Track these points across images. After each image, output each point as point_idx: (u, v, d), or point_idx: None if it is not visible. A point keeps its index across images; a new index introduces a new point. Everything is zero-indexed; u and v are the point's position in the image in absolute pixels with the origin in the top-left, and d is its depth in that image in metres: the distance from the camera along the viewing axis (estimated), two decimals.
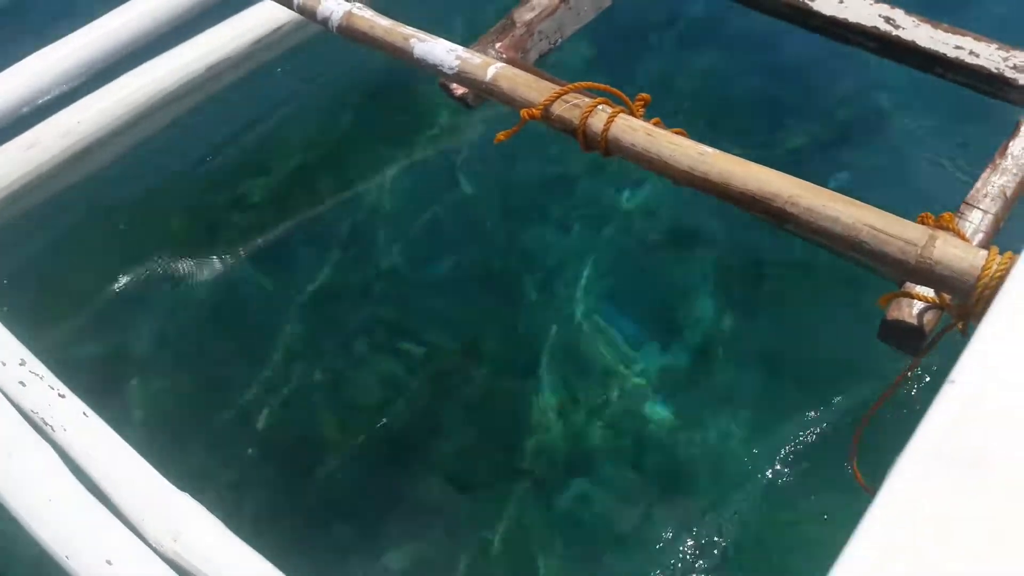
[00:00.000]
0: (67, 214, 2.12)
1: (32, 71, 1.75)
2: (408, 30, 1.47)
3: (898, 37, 1.64)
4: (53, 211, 2.01)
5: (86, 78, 1.83)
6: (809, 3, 1.72)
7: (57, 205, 1.97)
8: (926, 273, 0.96)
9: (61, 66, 1.76)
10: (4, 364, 1.38)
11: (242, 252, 2.18)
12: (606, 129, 1.24)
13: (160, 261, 2.15)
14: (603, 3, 1.84)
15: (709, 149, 1.17)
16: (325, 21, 1.54)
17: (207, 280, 2.14)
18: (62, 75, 1.77)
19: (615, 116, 1.24)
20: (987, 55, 1.57)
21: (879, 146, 2.20)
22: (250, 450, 1.91)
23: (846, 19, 1.68)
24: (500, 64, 1.39)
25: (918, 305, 1.11)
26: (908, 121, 2.23)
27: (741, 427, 1.83)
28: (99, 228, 2.19)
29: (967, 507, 0.65)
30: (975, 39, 1.60)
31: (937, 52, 1.60)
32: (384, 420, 1.93)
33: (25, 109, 1.76)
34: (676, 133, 1.24)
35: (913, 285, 1.09)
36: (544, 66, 1.72)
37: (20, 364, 1.38)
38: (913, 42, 1.63)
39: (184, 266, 2.13)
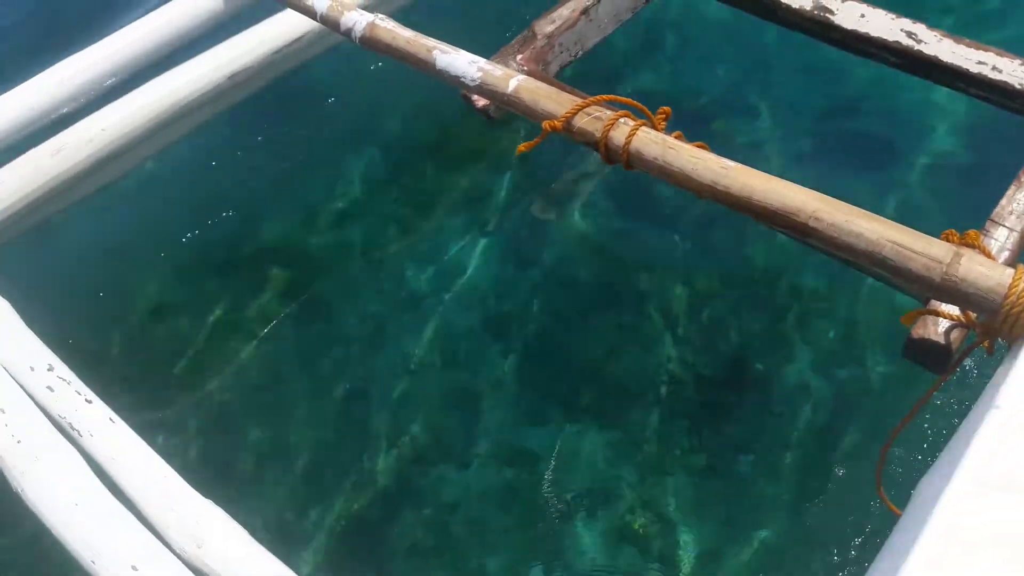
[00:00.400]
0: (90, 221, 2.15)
1: (57, 80, 1.78)
2: (430, 41, 1.48)
3: (920, 52, 1.63)
4: (76, 217, 2.03)
5: (112, 86, 1.85)
6: (830, 17, 1.72)
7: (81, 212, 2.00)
8: (951, 291, 0.95)
9: (85, 75, 1.79)
10: (32, 369, 1.40)
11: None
12: (628, 142, 1.24)
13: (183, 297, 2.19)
14: (623, 16, 1.85)
15: (731, 163, 1.17)
16: (348, 32, 1.55)
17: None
18: (86, 84, 1.80)
19: (637, 129, 1.24)
20: (1010, 71, 1.57)
21: (900, 159, 2.19)
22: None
23: (867, 33, 1.68)
24: (521, 76, 1.40)
25: (943, 323, 1.10)
26: (930, 135, 2.22)
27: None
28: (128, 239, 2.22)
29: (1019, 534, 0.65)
30: (998, 54, 1.59)
31: (959, 67, 1.60)
32: None
33: (51, 117, 1.79)
34: (697, 147, 1.24)
35: (938, 303, 1.08)
36: (564, 78, 1.73)
37: (48, 369, 1.40)
38: (935, 57, 1.62)
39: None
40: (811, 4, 1.74)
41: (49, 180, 1.80)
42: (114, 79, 1.86)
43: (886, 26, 1.68)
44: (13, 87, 1.77)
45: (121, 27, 1.92)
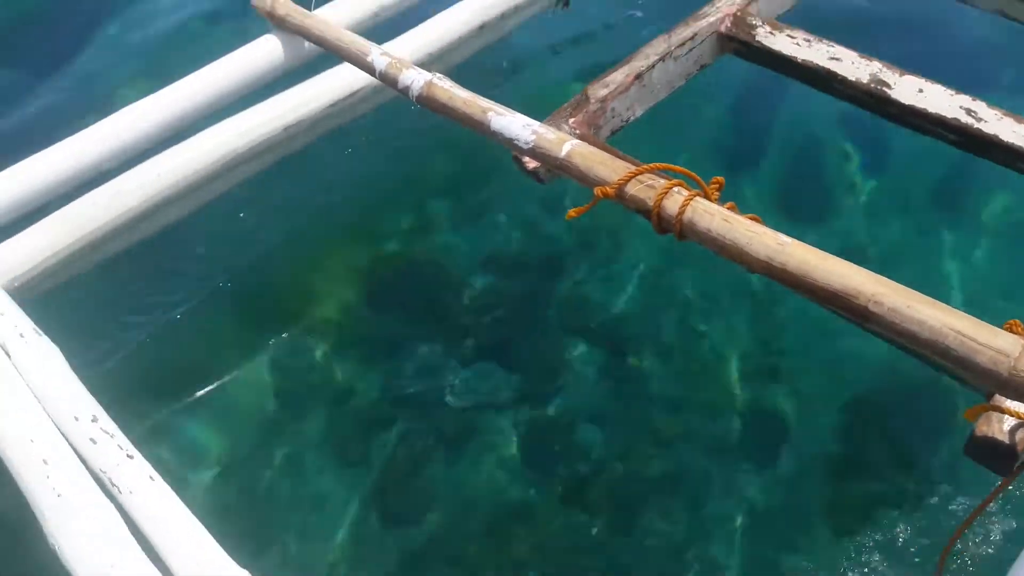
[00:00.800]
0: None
1: (120, 126, 1.82)
2: (486, 103, 1.49)
3: (979, 130, 1.60)
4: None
5: (170, 135, 1.90)
6: (887, 91, 1.69)
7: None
8: (1019, 387, 0.91)
9: (146, 123, 1.83)
10: (77, 419, 1.40)
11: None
12: (681, 212, 1.23)
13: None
14: (676, 83, 1.85)
15: (787, 239, 1.15)
16: (405, 90, 1.58)
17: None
18: (146, 132, 1.84)
19: (691, 199, 1.23)
20: None
21: (957, 236, 2.15)
22: None
23: (925, 109, 1.65)
24: (575, 141, 1.40)
25: (1009, 421, 1.05)
26: (985, 214, 2.18)
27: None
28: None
29: None
30: None
31: (1021, 148, 1.56)
32: None
33: (111, 164, 1.83)
34: (751, 219, 1.23)
35: (1003, 399, 1.03)
36: (615, 141, 1.73)
37: (92, 421, 1.40)
38: (995, 136, 1.59)
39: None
40: (868, 77, 1.72)
41: (106, 223, 1.83)
42: (173, 128, 1.89)
43: (944, 102, 1.65)
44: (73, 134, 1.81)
45: (184, 75, 1.95)
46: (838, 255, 1.09)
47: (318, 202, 2.46)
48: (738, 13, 1.90)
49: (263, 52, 1.96)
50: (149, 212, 1.87)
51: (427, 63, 2.27)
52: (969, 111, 1.63)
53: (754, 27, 1.86)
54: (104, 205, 1.83)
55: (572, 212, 1.36)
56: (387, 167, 2.54)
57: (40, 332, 1.49)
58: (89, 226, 1.78)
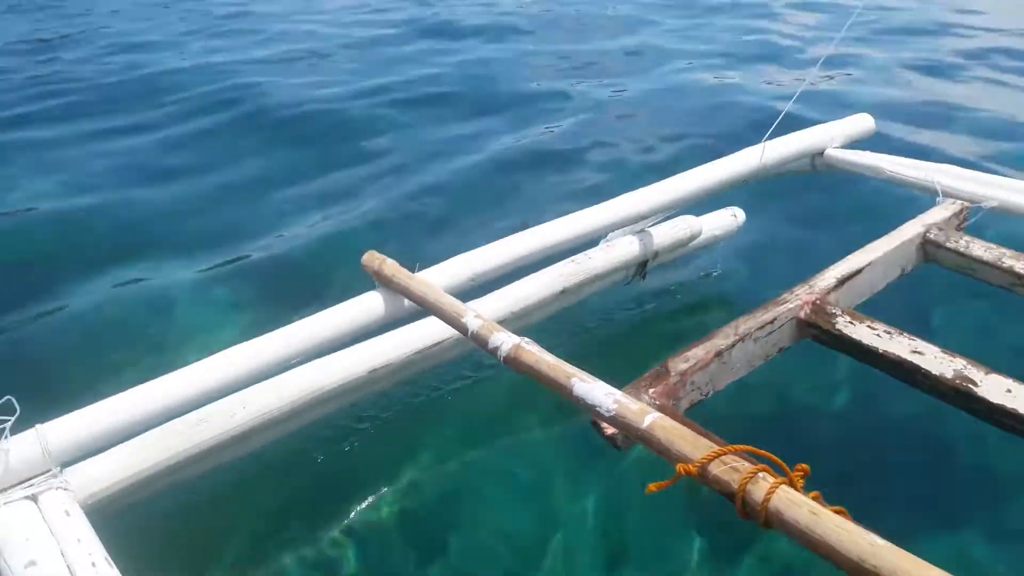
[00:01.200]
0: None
1: (226, 363, 1.94)
2: (571, 369, 1.55)
3: None
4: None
5: (269, 375, 2.00)
6: (973, 388, 1.69)
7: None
8: None
9: (251, 363, 1.95)
10: None
11: None
12: (767, 500, 1.20)
13: None
14: (755, 362, 1.90)
15: (879, 540, 1.11)
16: (495, 351, 1.66)
17: None
18: (250, 372, 1.95)
19: (776, 487, 1.21)
20: None
21: None
22: None
23: (1015, 409, 1.63)
24: (656, 414, 1.42)
25: None
26: None
27: None
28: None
29: None
30: None
31: None
32: None
33: (209, 397, 1.93)
34: (836, 511, 1.20)
35: None
36: (693, 415, 1.74)
37: None
38: None
39: None
40: (952, 373, 1.73)
41: (188, 448, 1.89)
42: (273, 370, 1.99)
43: None
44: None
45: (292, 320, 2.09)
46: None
47: None
48: (817, 301, 1.98)
49: (367, 307, 2.11)
50: (229, 443, 1.92)
51: (510, 320, 2.40)
52: None
53: (834, 316, 1.93)
54: (187, 432, 1.89)
55: (652, 486, 1.35)
56: None
57: (111, 563, 1.49)
58: (172, 450, 1.84)
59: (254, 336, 2.01)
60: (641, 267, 2.83)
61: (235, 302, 3.26)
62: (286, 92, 6.25)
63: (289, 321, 2.06)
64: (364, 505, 2.24)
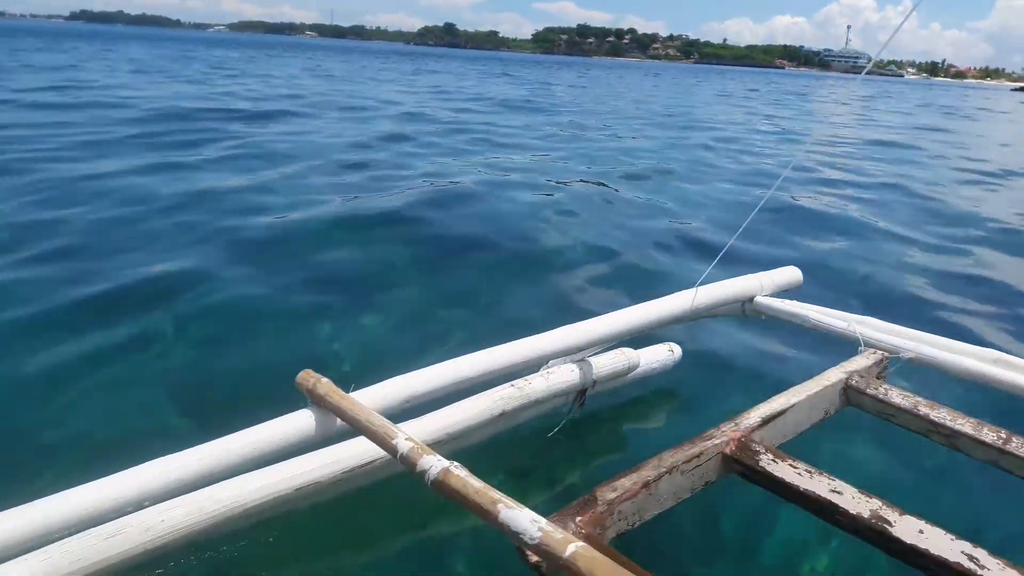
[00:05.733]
0: None
1: (149, 476, 1.89)
2: (496, 494, 1.56)
3: None
4: None
5: (191, 489, 1.94)
6: (887, 527, 1.74)
7: None
8: None
9: (173, 475, 1.90)
10: None
11: None
12: None
13: None
14: (682, 495, 1.93)
15: None
16: (423, 474, 1.66)
17: None
18: (172, 484, 1.89)
19: None
20: None
21: None
22: None
23: (927, 550, 1.67)
24: (579, 544, 1.43)
25: None
26: None
27: None
28: None
29: None
30: None
31: None
32: None
33: (125, 510, 1.86)
34: None
35: None
36: (619, 543, 1.75)
37: None
38: None
39: None
40: (868, 513, 1.78)
41: (102, 561, 1.81)
42: (195, 484, 1.94)
43: (945, 546, 1.68)
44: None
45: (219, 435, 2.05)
46: None
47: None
48: (742, 438, 2.04)
49: (298, 425, 2.09)
50: (143, 557, 1.84)
51: (446, 440, 2.41)
52: (971, 557, 1.65)
53: (757, 453, 1.99)
54: (103, 544, 1.81)
55: None
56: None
57: None
58: (89, 560, 1.75)
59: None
60: (580, 395, 2.89)
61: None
62: None
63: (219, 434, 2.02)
64: None
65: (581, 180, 9.45)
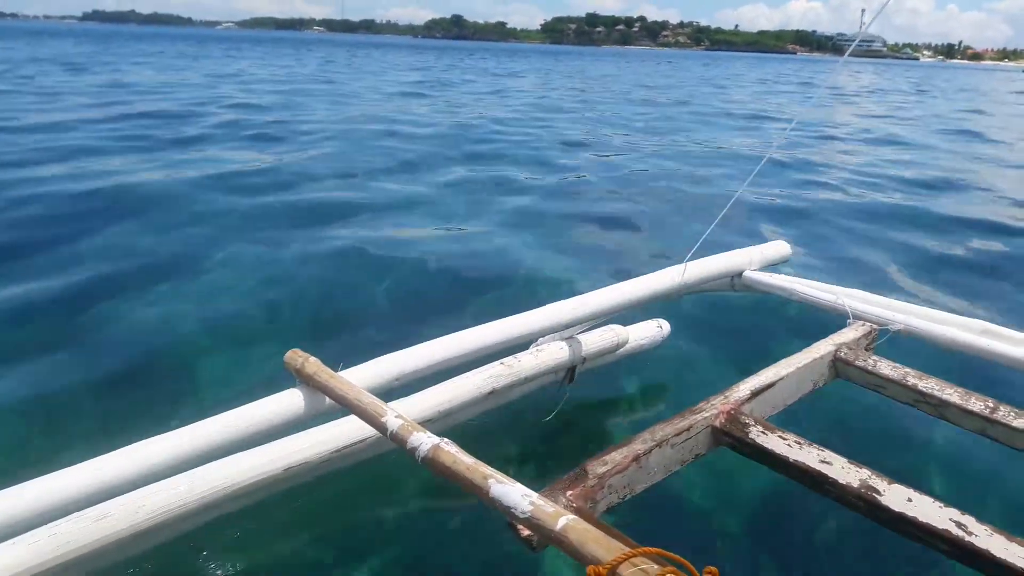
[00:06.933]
0: None
1: (137, 458, 1.86)
2: (488, 470, 1.55)
3: (971, 544, 1.61)
4: None
5: (183, 470, 1.93)
6: (877, 496, 1.75)
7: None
8: None
9: (157, 458, 1.87)
10: None
11: None
12: None
13: None
14: (672, 467, 1.93)
15: None
16: (413, 451, 1.65)
17: None
18: (152, 467, 1.87)
19: None
20: None
21: None
22: None
23: (915, 518, 1.68)
24: (570, 516, 1.43)
25: None
26: None
27: None
28: None
29: None
30: None
31: (1014, 565, 1.56)
32: None
33: (110, 493, 1.84)
34: None
35: None
36: (611, 517, 1.75)
37: None
38: (987, 551, 1.60)
39: None
40: (858, 482, 1.79)
41: (92, 543, 1.80)
42: (187, 465, 1.92)
43: (934, 513, 1.69)
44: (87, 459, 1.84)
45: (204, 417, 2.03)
46: None
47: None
48: (731, 411, 2.04)
49: (287, 404, 2.06)
50: (132, 539, 1.83)
51: (436, 419, 2.40)
52: (959, 524, 1.66)
53: (747, 425, 1.99)
54: (92, 526, 1.81)
55: None
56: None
57: None
58: (76, 544, 1.75)
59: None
60: (570, 372, 2.88)
61: None
62: None
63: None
64: None
65: None
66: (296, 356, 2.11)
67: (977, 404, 2.21)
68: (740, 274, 3.22)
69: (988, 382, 2.64)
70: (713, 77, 41.66)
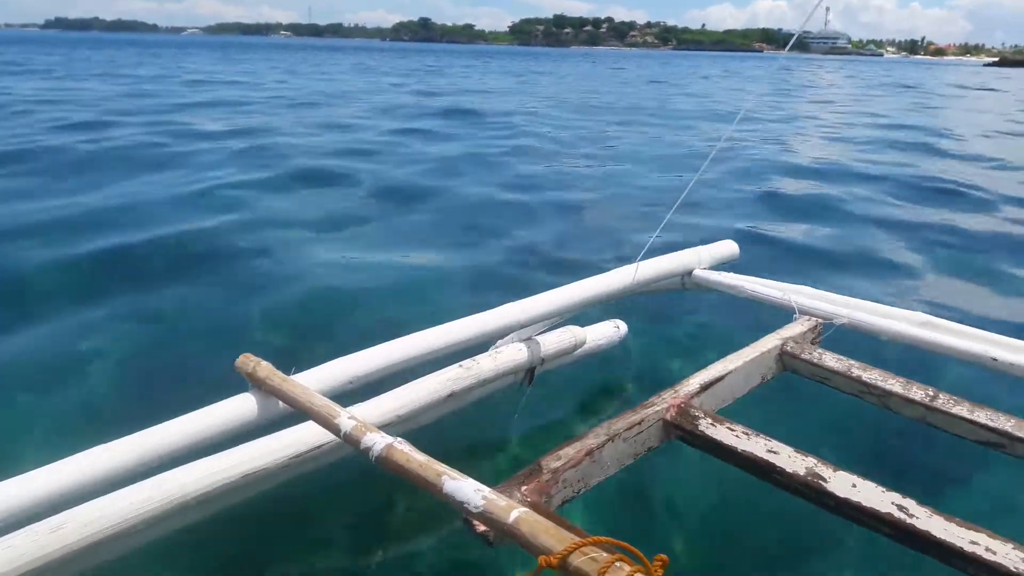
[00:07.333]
0: None
1: (85, 464, 1.84)
2: (441, 467, 1.57)
3: (912, 526, 1.68)
4: None
5: (135, 478, 1.91)
6: (823, 484, 1.80)
7: None
8: None
9: (113, 463, 1.86)
10: None
11: None
12: None
13: None
14: (625, 461, 1.97)
15: None
16: (367, 451, 1.66)
17: None
18: (115, 472, 1.85)
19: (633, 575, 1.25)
20: (1004, 553, 1.59)
21: None
22: None
23: (860, 503, 1.74)
24: (522, 509, 1.45)
25: None
26: None
27: None
28: None
29: None
30: (990, 536, 1.62)
31: (953, 545, 1.62)
32: None
33: (64, 499, 1.81)
34: None
35: None
36: (565, 511, 1.78)
37: None
38: (928, 532, 1.66)
39: None
40: (804, 470, 1.84)
41: (46, 555, 1.76)
42: (139, 472, 1.91)
43: (877, 498, 1.75)
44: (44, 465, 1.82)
45: (156, 423, 2.01)
46: None
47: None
48: (682, 405, 2.09)
49: (239, 409, 2.06)
50: (83, 553, 1.80)
51: (395, 423, 2.40)
52: (901, 507, 1.72)
53: (697, 418, 2.04)
54: (45, 539, 1.77)
55: None
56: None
57: None
58: (29, 557, 1.71)
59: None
60: (529, 373, 2.91)
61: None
62: None
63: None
64: None
65: None
66: (248, 360, 2.10)
67: (918, 393, 2.29)
68: (690, 273, 3.28)
69: (929, 372, 2.73)
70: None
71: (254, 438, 2.14)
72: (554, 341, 2.92)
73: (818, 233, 6.73)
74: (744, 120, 14.78)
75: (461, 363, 2.62)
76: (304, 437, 2.20)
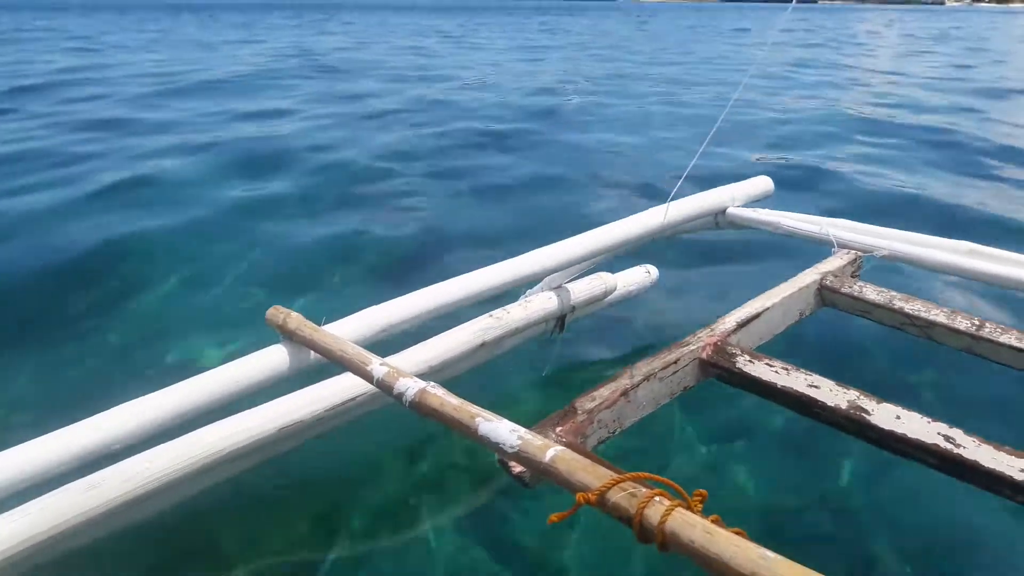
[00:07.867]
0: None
1: (120, 420, 1.85)
2: (475, 409, 1.55)
3: (960, 456, 1.62)
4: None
5: (170, 432, 1.92)
6: (866, 416, 1.75)
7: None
8: None
9: (145, 417, 1.87)
10: None
11: None
12: (663, 522, 1.21)
13: None
14: (661, 400, 1.93)
15: (771, 553, 1.12)
16: (400, 396, 1.65)
17: None
18: (144, 426, 1.86)
19: (672, 510, 1.23)
20: None
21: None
22: None
23: (905, 435, 1.69)
24: (559, 447, 1.43)
25: None
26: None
27: None
28: None
29: None
30: None
31: (1003, 474, 1.57)
32: None
33: (102, 454, 1.82)
34: (735, 532, 1.21)
35: None
36: (601, 452, 1.75)
37: None
38: (976, 462, 1.61)
39: None
40: (846, 404, 1.79)
41: (82, 514, 1.78)
42: (174, 425, 1.92)
43: (922, 429, 1.70)
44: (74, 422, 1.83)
45: (190, 375, 2.02)
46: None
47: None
48: (718, 343, 2.04)
49: (272, 361, 2.06)
50: (124, 508, 1.82)
51: (427, 374, 2.39)
52: (947, 438, 1.67)
53: (734, 356, 1.99)
54: (82, 497, 1.79)
55: (554, 517, 1.34)
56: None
57: None
58: (68, 515, 1.73)
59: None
60: (560, 321, 2.88)
61: None
62: None
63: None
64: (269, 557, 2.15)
65: None
66: (278, 312, 2.10)
67: (963, 323, 2.21)
68: (723, 211, 3.20)
69: (974, 302, 2.64)
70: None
71: (286, 389, 2.14)
72: (584, 288, 2.88)
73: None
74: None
75: (491, 313, 2.60)
76: (338, 389, 2.20)
